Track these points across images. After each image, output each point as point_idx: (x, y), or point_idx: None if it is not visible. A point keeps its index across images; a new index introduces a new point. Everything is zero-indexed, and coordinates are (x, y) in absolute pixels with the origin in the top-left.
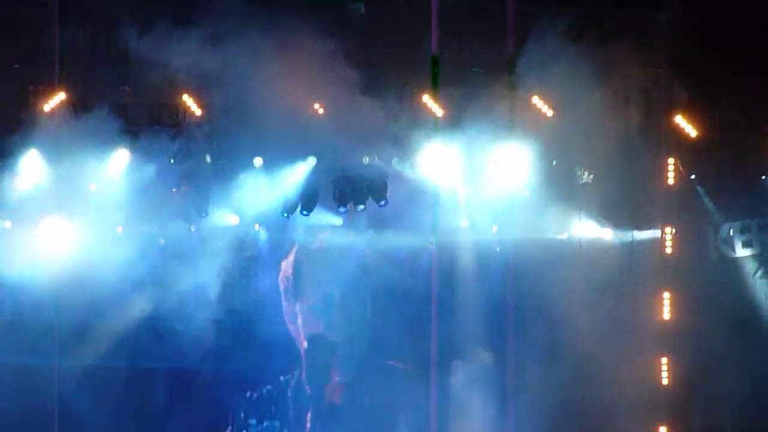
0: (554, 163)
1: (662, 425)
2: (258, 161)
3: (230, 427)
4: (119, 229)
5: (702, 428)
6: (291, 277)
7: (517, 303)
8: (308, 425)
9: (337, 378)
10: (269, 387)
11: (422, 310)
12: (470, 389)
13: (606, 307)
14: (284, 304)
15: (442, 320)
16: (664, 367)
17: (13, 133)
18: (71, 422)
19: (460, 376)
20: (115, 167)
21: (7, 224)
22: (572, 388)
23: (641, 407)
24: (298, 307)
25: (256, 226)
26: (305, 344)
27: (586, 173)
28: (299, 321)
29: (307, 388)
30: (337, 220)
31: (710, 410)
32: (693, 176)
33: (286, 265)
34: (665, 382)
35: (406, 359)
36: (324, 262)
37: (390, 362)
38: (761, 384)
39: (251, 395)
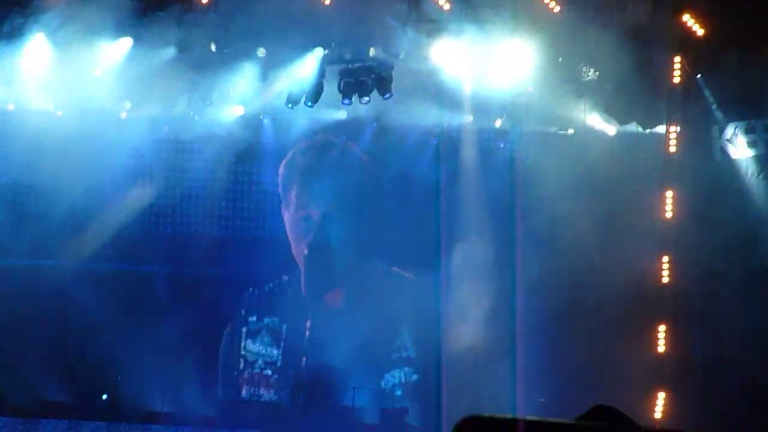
0: (560, 59)
1: (662, 323)
2: (262, 51)
3: (230, 324)
4: (123, 115)
5: (702, 327)
6: (279, 186)
7: (518, 198)
8: (308, 324)
9: (336, 288)
10: (271, 285)
11: (425, 207)
12: (471, 287)
13: (608, 204)
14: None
15: (446, 216)
16: (665, 266)
17: (19, 17)
18: (73, 323)
19: (461, 274)
20: (120, 54)
21: (10, 107)
22: (572, 286)
23: (640, 305)
24: (285, 217)
25: (261, 117)
26: (305, 251)
27: (592, 70)
28: (288, 230)
29: (305, 293)
30: (342, 113)
31: (711, 309)
32: (699, 75)
33: (281, 171)
34: (666, 280)
35: (407, 261)
36: (309, 177)
37: (394, 269)
38: (762, 282)
39: (253, 291)
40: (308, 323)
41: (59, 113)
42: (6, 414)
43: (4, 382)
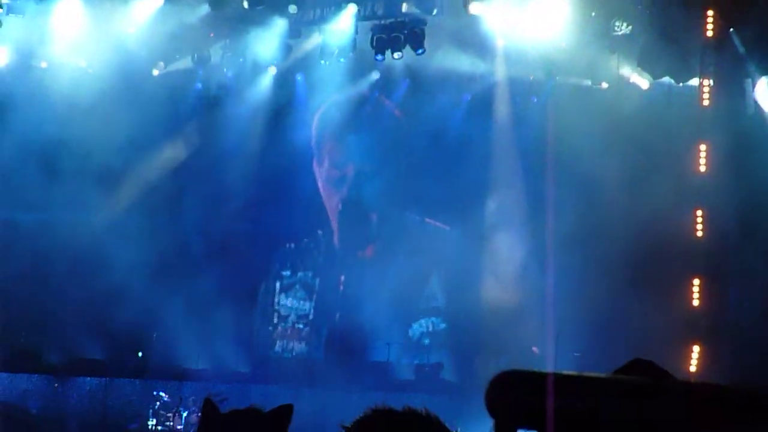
0: (593, 14)
1: (696, 277)
2: (293, 8)
3: (264, 280)
4: (155, 72)
5: (736, 280)
6: (312, 140)
7: (552, 151)
8: (342, 279)
9: (370, 241)
10: (306, 240)
11: (459, 160)
12: (503, 240)
13: (641, 158)
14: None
15: (479, 169)
16: (699, 219)
17: None
18: (107, 280)
19: (494, 227)
20: (153, 11)
21: (43, 64)
22: (606, 239)
23: (675, 259)
24: (318, 173)
25: (294, 73)
26: (339, 207)
27: (624, 25)
28: (320, 186)
29: (339, 248)
30: (375, 73)
31: (745, 261)
32: (731, 28)
33: (314, 125)
34: (700, 234)
35: (441, 214)
36: (341, 134)
37: (427, 220)
38: None
39: (289, 247)
40: (342, 278)
41: (91, 70)
42: (42, 372)
43: (40, 340)
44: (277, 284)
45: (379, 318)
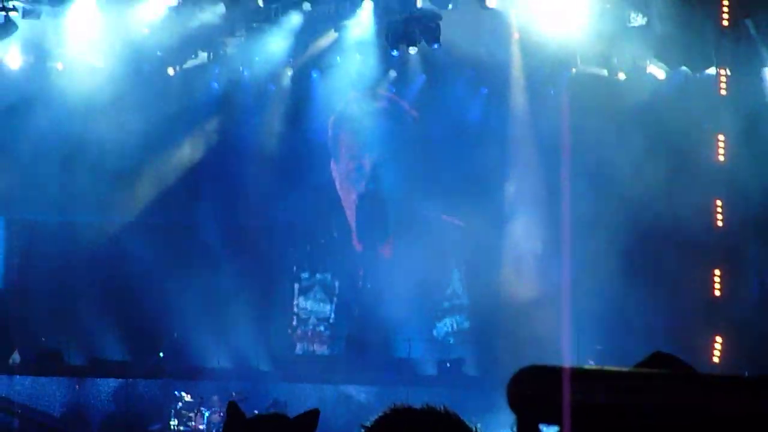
0: (609, 5)
1: (717, 267)
2: (308, 5)
3: (281, 281)
4: (171, 72)
5: (757, 269)
6: (329, 139)
7: (569, 143)
8: (360, 273)
9: (389, 236)
10: (323, 240)
11: (475, 154)
12: (522, 233)
13: (659, 148)
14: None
15: (496, 163)
16: (719, 209)
17: None
18: (127, 280)
19: (513, 220)
20: (168, 10)
21: (59, 66)
22: (625, 231)
23: (695, 249)
24: (335, 170)
25: (309, 70)
26: (357, 201)
27: (640, 15)
28: (337, 183)
29: (357, 245)
30: (391, 70)
31: (765, 251)
32: (747, 17)
33: (331, 124)
34: (720, 224)
35: (457, 208)
36: (358, 130)
37: (443, 217)
38: None
39: (307, 248)
40: (361, 272)
41: (107, 71)
42: (64, 374)
43: (62, 342)
44: (296, 286)
45: (400, 315)
